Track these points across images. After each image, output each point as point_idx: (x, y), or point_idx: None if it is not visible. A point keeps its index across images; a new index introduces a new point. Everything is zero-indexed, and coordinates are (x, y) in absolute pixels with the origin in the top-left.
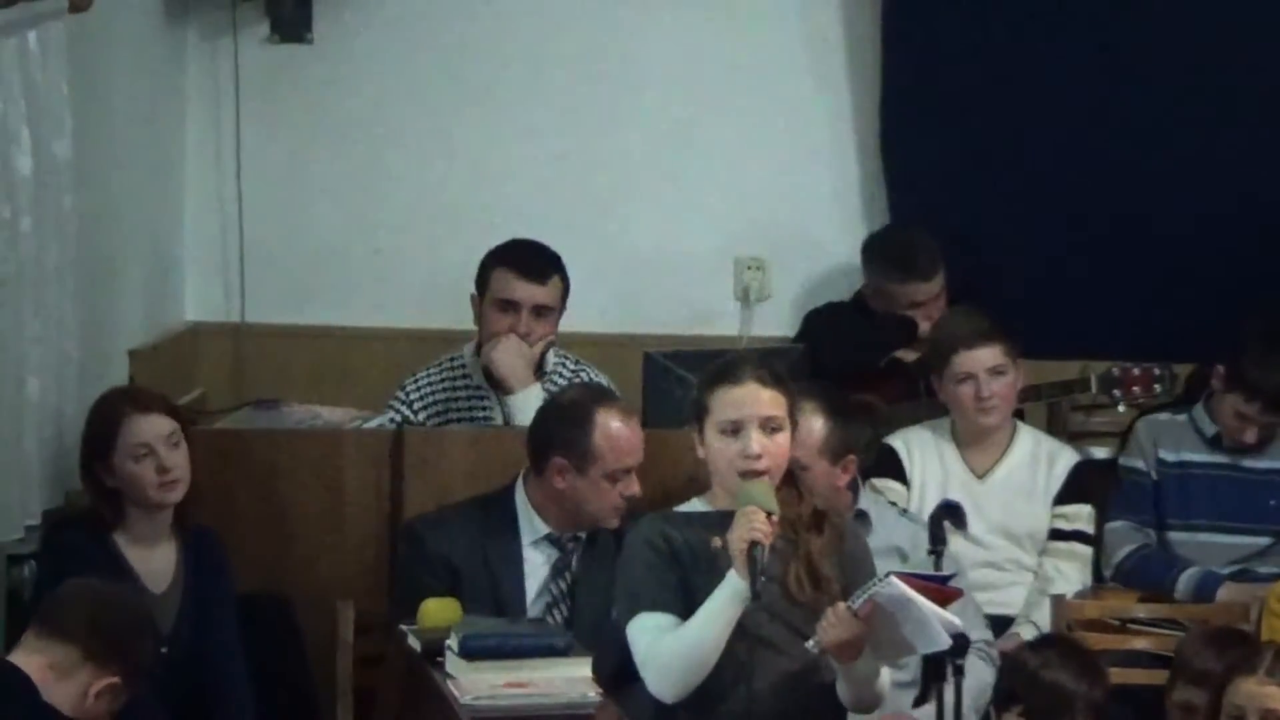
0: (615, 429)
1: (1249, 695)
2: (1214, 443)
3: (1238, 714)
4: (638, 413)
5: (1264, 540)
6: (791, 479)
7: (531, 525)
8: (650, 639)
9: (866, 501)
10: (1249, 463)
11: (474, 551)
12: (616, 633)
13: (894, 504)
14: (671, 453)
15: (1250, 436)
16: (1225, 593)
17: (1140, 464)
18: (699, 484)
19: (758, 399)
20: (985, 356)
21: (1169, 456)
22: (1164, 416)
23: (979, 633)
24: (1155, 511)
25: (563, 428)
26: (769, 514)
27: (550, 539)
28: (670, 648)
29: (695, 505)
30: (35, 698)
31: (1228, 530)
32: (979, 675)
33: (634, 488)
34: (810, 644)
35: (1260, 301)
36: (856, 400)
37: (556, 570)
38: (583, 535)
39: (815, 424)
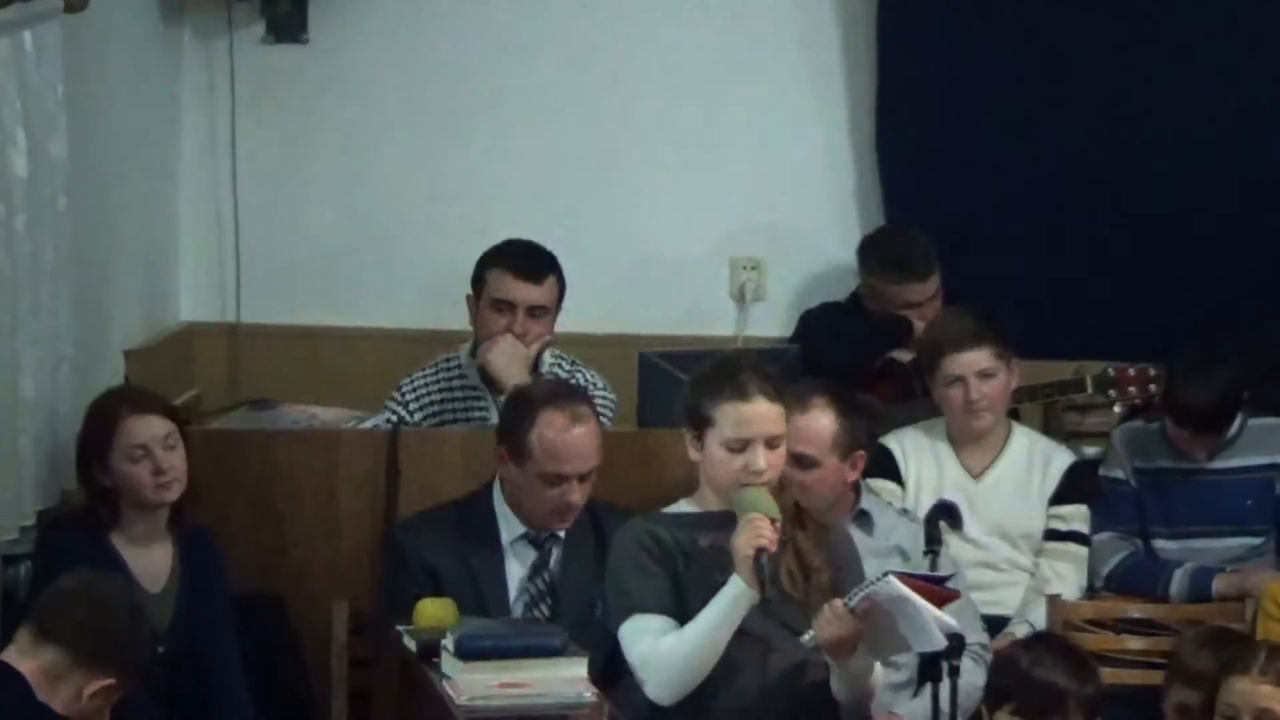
0: (552, 433)
1: (1243, 694)
2: (1182, 450)
3: (1231, 713)
4: (593, 422)
5: (1254, 540)
6: None
7: (509, 524)
8: (648, 642)
9: (867, 501)
10: (1219, 464)
11: (454, 554)
12: (601, 631)
13: (890, 504)
14: (666, 453)
15: (1199, 454)
16: (1221, 583)
17: (1119, 473)
18: (689, 485)
19: (765, 417)
20: (974, 359)
21: (1144, 465)
22: (1138, 425)
23: (974, 635)
24: (1139, 520)
25: (510, 416)
26: (773, 520)
27: (527, 538)
28: (671, 652)
29: (683, 506)
30: (31, 698)
31: (1213, 534)
32: (970, 678)
33: (572, 496)
34: (806, 638)
35: (1256, 302)
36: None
37: (535, 569)
38: (560, 534)
39: (825, 420)
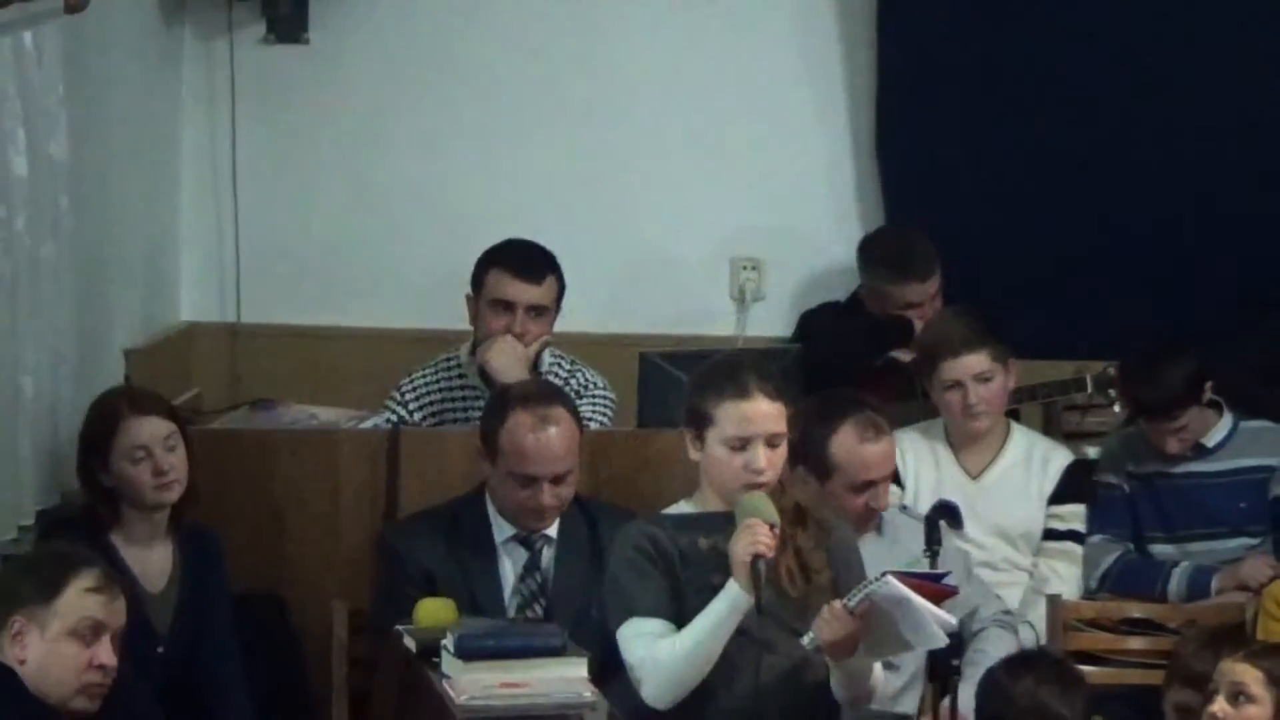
0: (519, 434)
1: (1222, 672)
2: (1153, 443)
3: (1214, 688)
4: (565, 424)
5: (1250, 541)
6: None
7: (500, 525)
8: (645, 646)
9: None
10: (1210, 467)
11: (447, 555)
12: (597, 631)
13: (904, 508)
14: (666, 453)
15: (1171, 447)
16: (1220, 580)
17: (1112, 478)
18: (689, 485)
19: (765, 415)
20: (971, 363)
21: (1137, 469)
22: (1132, 430)
23: (994, 606)
24: (1134, 525)
25: (487, 414)
26: (771, 526)
27: (518, 538)
28: (668, 656)
29: (683, 507)
30: (23, 692)
31: (1209, 537)
32: (1005, 646)
33: (542, 499)
34: (806, 640)
35: (1257, 304)
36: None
37: (526, 569)
38: (552, 533)
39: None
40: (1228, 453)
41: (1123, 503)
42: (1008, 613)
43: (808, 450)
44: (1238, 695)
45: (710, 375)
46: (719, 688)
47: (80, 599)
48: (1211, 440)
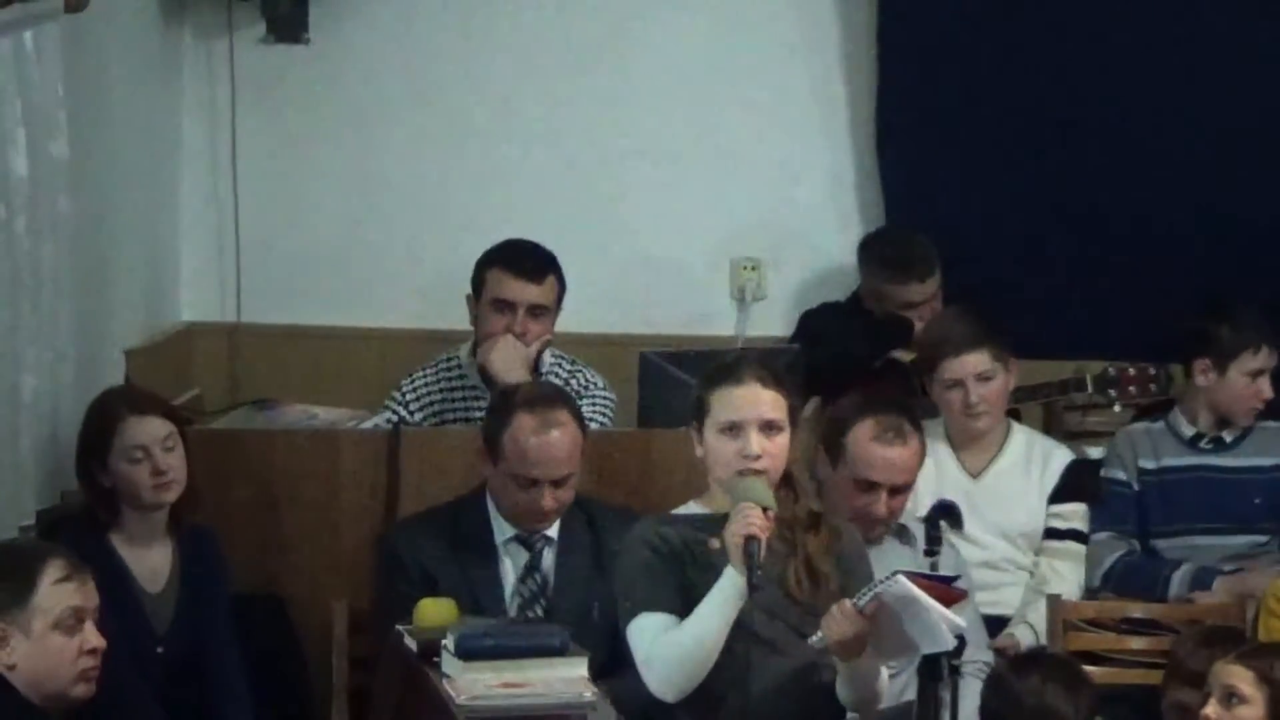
0: (523, 436)
1: (1214, 673)
2: (1193, 444)
3: (1208, 691)
4: (568, 428)
5: (1259, 538)
6: (788, 479)
7: (501, 526)
8: (650, 639)
9: (907, 516)
10: (1228, 462)
11: (448, 557)
12: (598, 631)
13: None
14: (667, 453)
15: (1267, 389)
16: (1222, 587)
17: (1121, 474)
18: (690, 485)
19: (758, 400)
20: (972, 363)
21: (1149, 464)
22: (1141, 426)
23: (980, 652)
24: (1140, 521)
25: (489, 416)
26: (765, 509)
27: (519, 539)
28: (670, 645)
29: (692, 508)
30: (13, 693)
31: (1216, 531)
32: (978, 698)
33: (544, 501)
34: (814, 639)
35: (1256, 303)
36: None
37: (527, 570)
38: (552, 534)
39: (919, 449)
40: (1243, 450)
41: (1129, 500)
42: (988, 664)
43: (829, 433)
44: (1230, 697)
45: (710, 369)
46: (727, 689)
47: (56, 591)
48: (1229, 434)
